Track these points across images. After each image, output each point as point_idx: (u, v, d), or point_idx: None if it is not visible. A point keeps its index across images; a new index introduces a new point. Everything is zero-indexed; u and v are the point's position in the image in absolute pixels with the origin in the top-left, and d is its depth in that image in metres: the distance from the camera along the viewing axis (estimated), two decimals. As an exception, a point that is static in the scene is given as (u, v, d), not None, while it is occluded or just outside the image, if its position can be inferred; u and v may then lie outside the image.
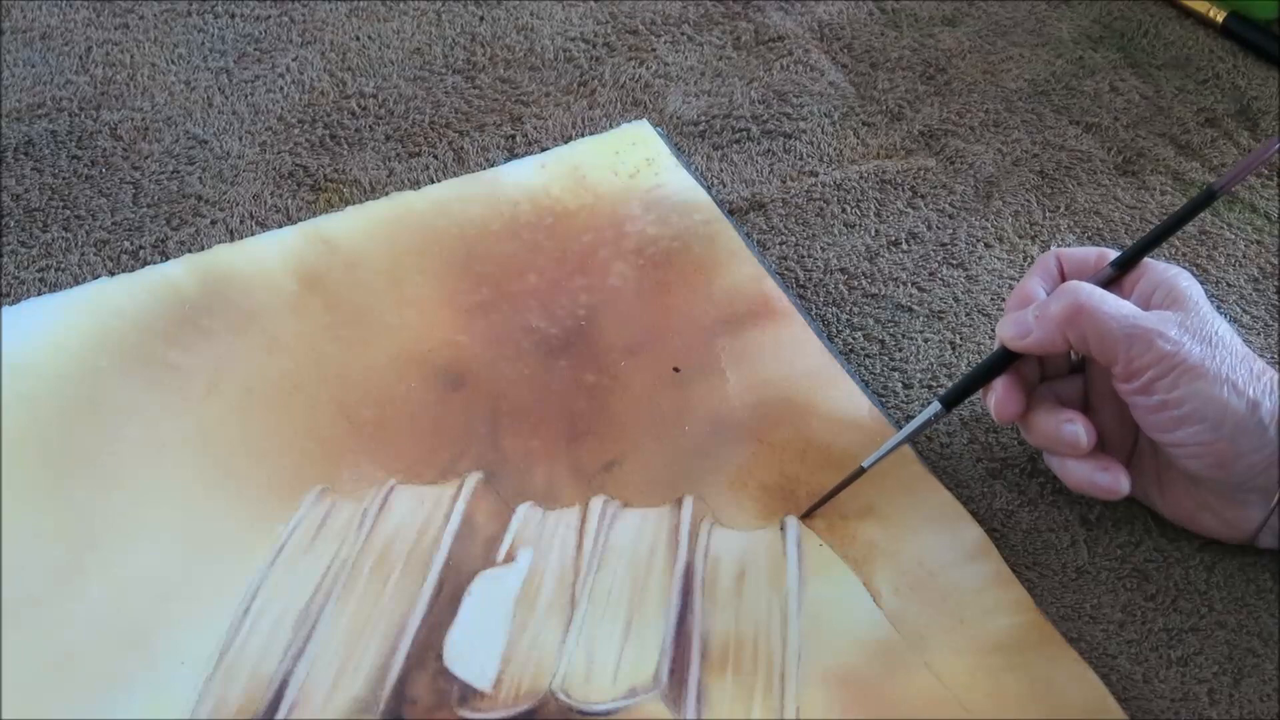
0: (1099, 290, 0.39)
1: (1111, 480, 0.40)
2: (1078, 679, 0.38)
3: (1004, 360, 0.41)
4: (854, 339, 0.49)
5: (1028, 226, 0.54)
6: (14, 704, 0.37)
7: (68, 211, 0.53)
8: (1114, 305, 0.39)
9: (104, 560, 0.41)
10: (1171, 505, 0.42)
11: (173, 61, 0.61)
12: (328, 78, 0.60)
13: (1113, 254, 0.42)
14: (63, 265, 0.51)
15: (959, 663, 0.38)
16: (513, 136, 0.57)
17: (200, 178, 0.55)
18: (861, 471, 0.42)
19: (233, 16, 0.63)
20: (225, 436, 0.44)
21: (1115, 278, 0.41)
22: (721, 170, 0.56)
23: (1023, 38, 0.64)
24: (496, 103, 0.59)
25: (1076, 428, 0.40)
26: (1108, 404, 0.42)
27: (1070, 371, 0.43)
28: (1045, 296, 0.41)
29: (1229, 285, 0.51)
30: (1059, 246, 0.52)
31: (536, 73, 0.61)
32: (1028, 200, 0.55)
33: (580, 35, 0.63)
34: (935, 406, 0.42)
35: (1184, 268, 0.41)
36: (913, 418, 0.46)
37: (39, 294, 0.49)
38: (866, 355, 0.48)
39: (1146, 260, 0.41)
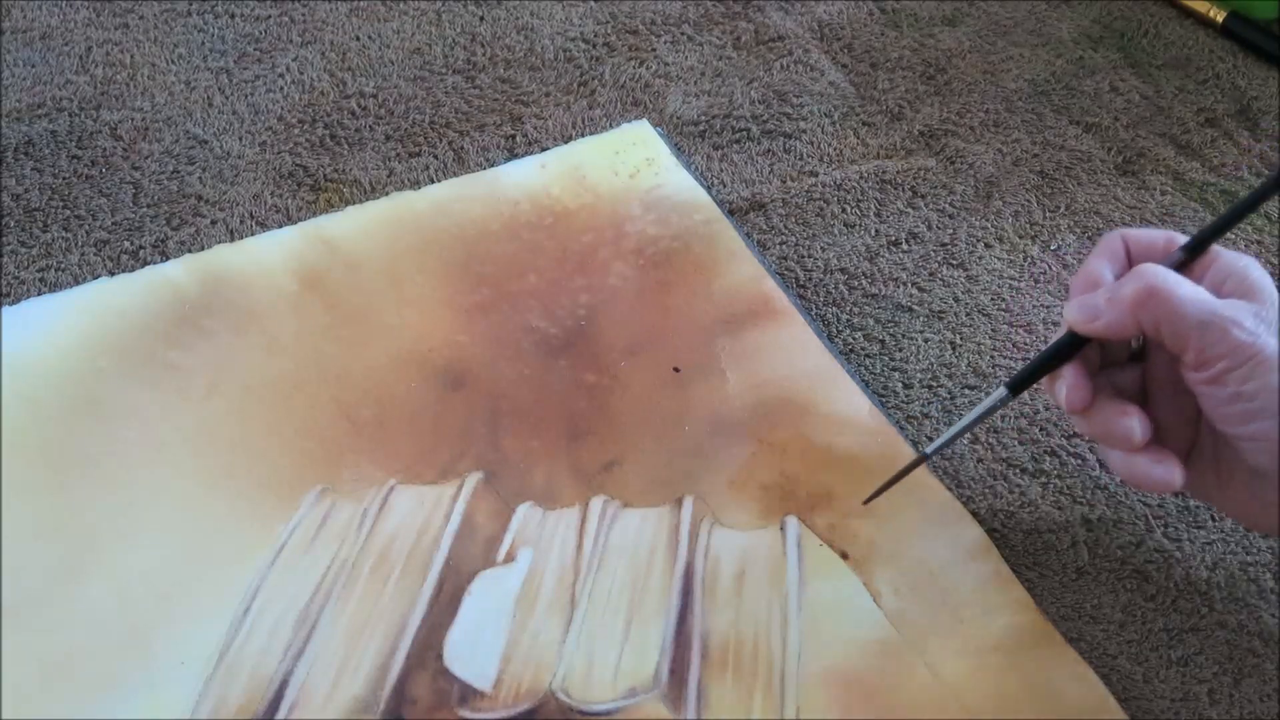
0: (1174, 274, 0.38)
1: (1165, 473, 0.38)
2: (1078, 679, 0.38)
3: (1072, 346, 0.40)
4: (854, 339, 0.49)
5: (1028, 226, 0.54)
6: (14, 704, 0.37)
7: (68, 211, 0.53)
8: (1189, 290, 0.37)
9: (104, 560, 0.41)
10: (1232, 502, 0.40)
11: (173, 61, 0.61)
12: (328, 78, 0.60)
13: (1181, 238, 0.40)
14: (63, 265, 0.51)
15: (959, 663, 0.38)
16: (513, 136, 0.57)
17: (200, 178, 0.55)
18: (925, 457, 0.41)
19: (233, 16, 0.63)
20: (225, 436, 0.44)
21: (1185, 262, 0.40)
22: (721, 170, 0.56)
23: (1023, 38, 0.64)
24: (496, 103, 0.59)
25: (1132, 421, 0.38)
26: (1168, 396, 0.40)
27: (1129, 360, 0.42)
28: (1112, 279, 0.40)
29: (1229, 285, 0.51)
30: (1062, 243, 0.52)
31: (536, 73, 0.61)
32: (1028, 200, 0.55)
33: (580, 35, 0.63)
34: (1001, 391, 0.40)
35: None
36: (914, 418, 0.46)
37: (39, 294, 0.49)
38: (866, 355, 0.48)
39: (1217, 248, 0.40)
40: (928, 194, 0.55)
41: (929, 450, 0.41)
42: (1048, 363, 0.40)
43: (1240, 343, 0.36)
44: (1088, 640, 0.40)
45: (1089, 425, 0.40)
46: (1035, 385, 0.41)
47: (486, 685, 0.38)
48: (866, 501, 0.42)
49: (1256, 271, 0.39)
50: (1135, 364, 0.42)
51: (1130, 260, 0.41)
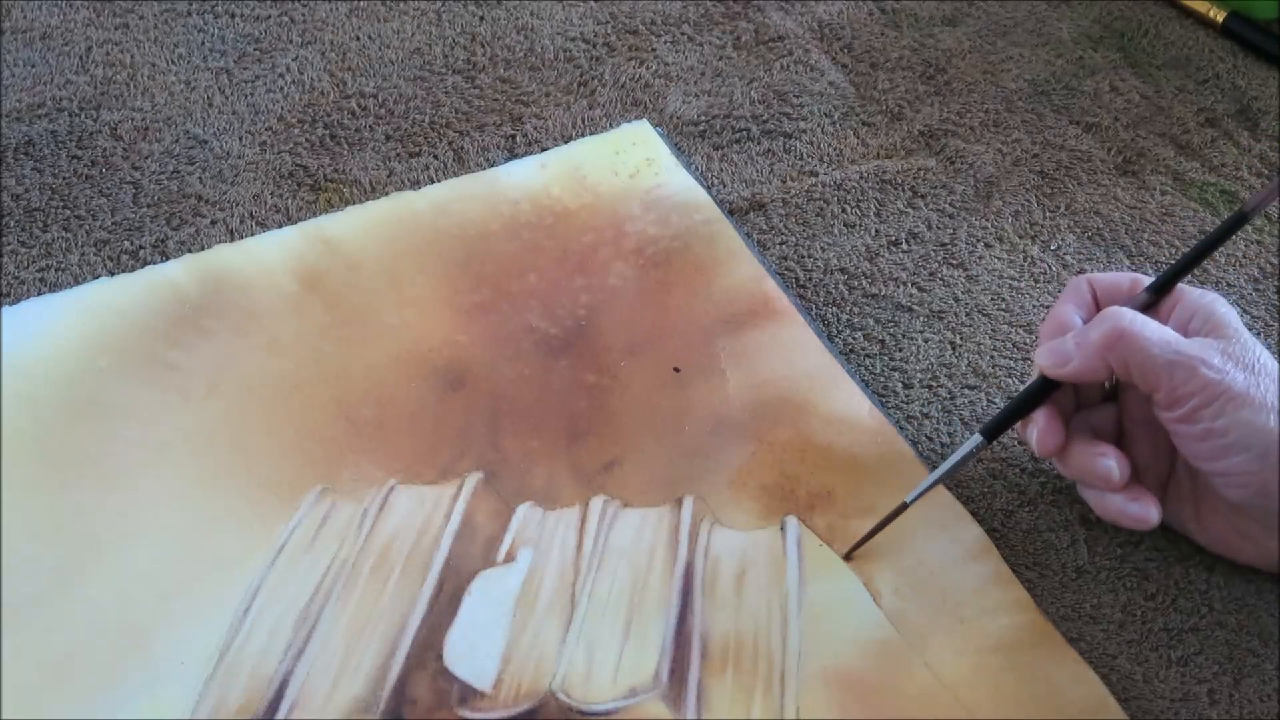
0: (1140, 316, 0.39)
1: (1142, 510, 0.39)
2: (1078, 679, 0.38)
3: (1043, 390, 0.40)
4: (854, 339, 0.49)
5: (1028, 226, 0.54)
6: (14, 704, 0.37)
7: (68, 211, 0.53)
8: (1156, 332, 0.38)
9: (104, 560, 0.41)
10: (1210, 534, 0.41)
11: (173, 61, 0.61)
12: (328, 78, 0.60)
13: (1145, 279, 0.41)
14: (63, 265, 0.51)
15: (959, 663, 0.38)
16: (513, 136, 0.57)
17: (200, 178, 0.55)
18: (905, 507, 0.41)
19: (233, 16, 0.63)
20: (225, 436, 0.44)
21: (1151, 303, 0.40)
22: (721, 170, 0.56)
23: (1023, 38, 0.64)
24: (496, 103, 0.59)
25: (1111, 462, 0.39)
26: (1142, 432, 0.41)
27: (1103, 399, 0.43)
28: (1080, 323, 0.41)
29: (1229, 285, 0.51)
30: (1062, 243, 0.52)
31: (536, 73, 0.61)
32: (1028, 200, 0.55)
33: (580, 35, 0.63)
34: (976, 439, 0.41)
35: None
36: (914, 418, 0.46)
37: (39, 294, 0.49)
38: (866, 355, 0.48)
39: (1181, 286, 0.41)
40: (928, 194, 0.55)
41: (909, 498, 0.41)
42: (1021, 407, 0.41)
43: (1209, 380, 0.37)
44: (1088, 640, 0.40)
45: (1066, 467, 0.41)
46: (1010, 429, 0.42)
47: (486, 685, 0.38)
48: (849, 554, 0.41)
49: (1222, 307, 0.40)
50: (1110, 403, 0.42)
51: (1097, 303, 0.42)
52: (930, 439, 0.45)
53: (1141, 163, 0.57)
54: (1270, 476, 0.37)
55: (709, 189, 0.54)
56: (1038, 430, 0.40)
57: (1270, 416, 0.37)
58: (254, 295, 0.49)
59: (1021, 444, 0.45)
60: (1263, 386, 0.37)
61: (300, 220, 0.52)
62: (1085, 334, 0.39)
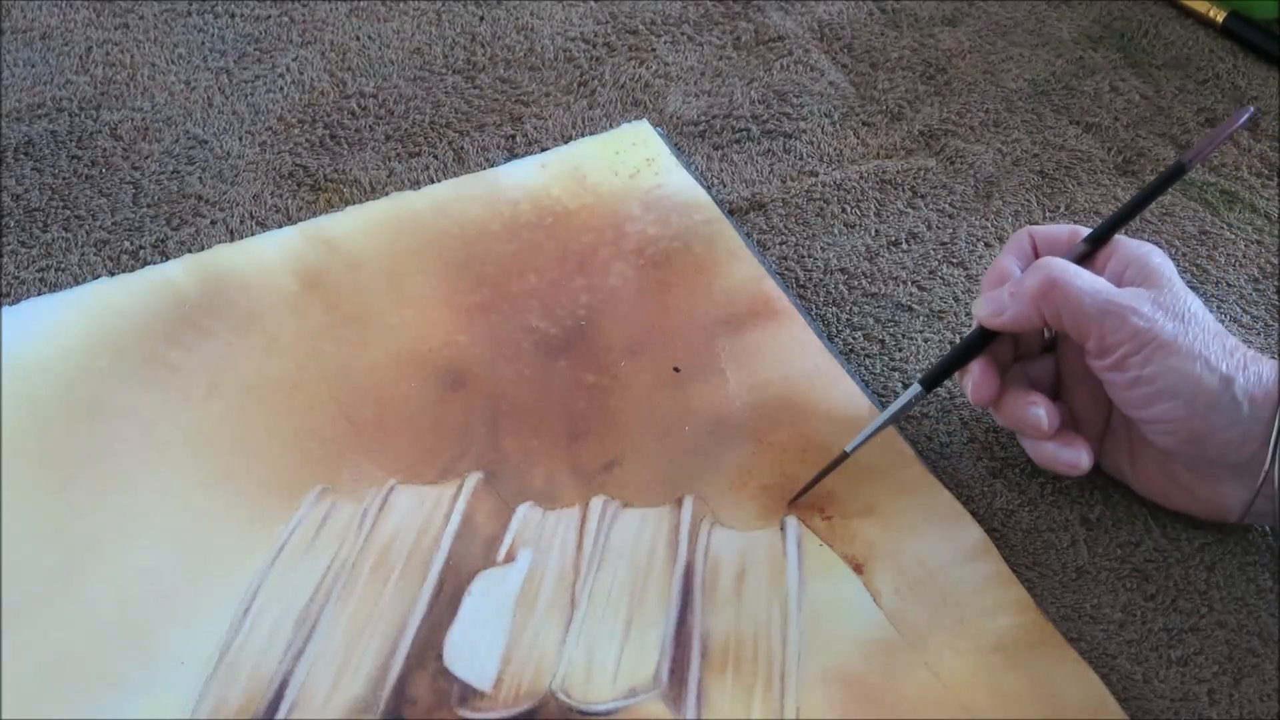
0: (1072, 266, 0.40)
1: (1073, 455, 0.41)
2: (1078, 679, 0.38)
3: (981, 340, 0.42)
4: (854, 339, 0.49)
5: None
6: (14, 704, 0.37)
7: (68, 211, 0.53)
8: (1087, 281, 0.39)
9: (104, 560, 0.41)
10: (1143, 481, 0.42)
11: (173, 61, 0.61)
12: (328, 78, 0.60)
13: (1085, 231, 0.42)
14: (63, 265, 0.51)
15: (959, 663, 0.38)
16: (513, 136, 0.57)
17: (200, 178, 0.55)
18: (845, 456, 0.42)
19: (233, 16, 0.63)
20: (225, 436, 0.44)
21: (1088, 254, 0.41)
22: (721, 170, 0.56)
23: (1023, 38, 0.64)
24: (496, 103, 0.59)
25: (1040, 410, 0.40)
26: (1079, 383, 0.42)
27: (1042, 351, 0.44)
28: (1019, 274, 0.41)
29: (1229, 285, 0.51)
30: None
31: (536, 73, 0.61)
32: (1028, 200, 0.55)
33: (580, 35, 0.63)
34: (915, 388, 0.42)
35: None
36: (913, 418, 0.46)
37: (39, 294, 0.49)
38: (866, 355, 0.48)
39: (1119, 238, 0.42)
40: (928, 194, 0.55)
41: (849, 447, 0.42)
42: (959, 358, 0.42)
43: (1138, 329, 0.38)
44: (1088, 640, 0.40)
45: (1001, 416, 0.42)
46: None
47: (486, 685, 0.38)
48: (792, 501, 0.42)
49: (1157, 258, 0.40)
50: (1048, 355, 0.43)
51: (1037, 255, 0.42)
52: (930, 439, 0.45)
53: (1141, 163, 0.57)
54: (1198, 424, 0.38)
55: (709, 189, 0.54)
56: (973, 380, 0.41)
57: (1198, 364, 0.37)
58: (254, 295, 0.49)
59: (1020, 445, 0.45)
60: (1191, 334, 0.38)
61: (300, 220, 0.52)
62: (1019, 284, 0.40)
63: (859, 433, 0.42)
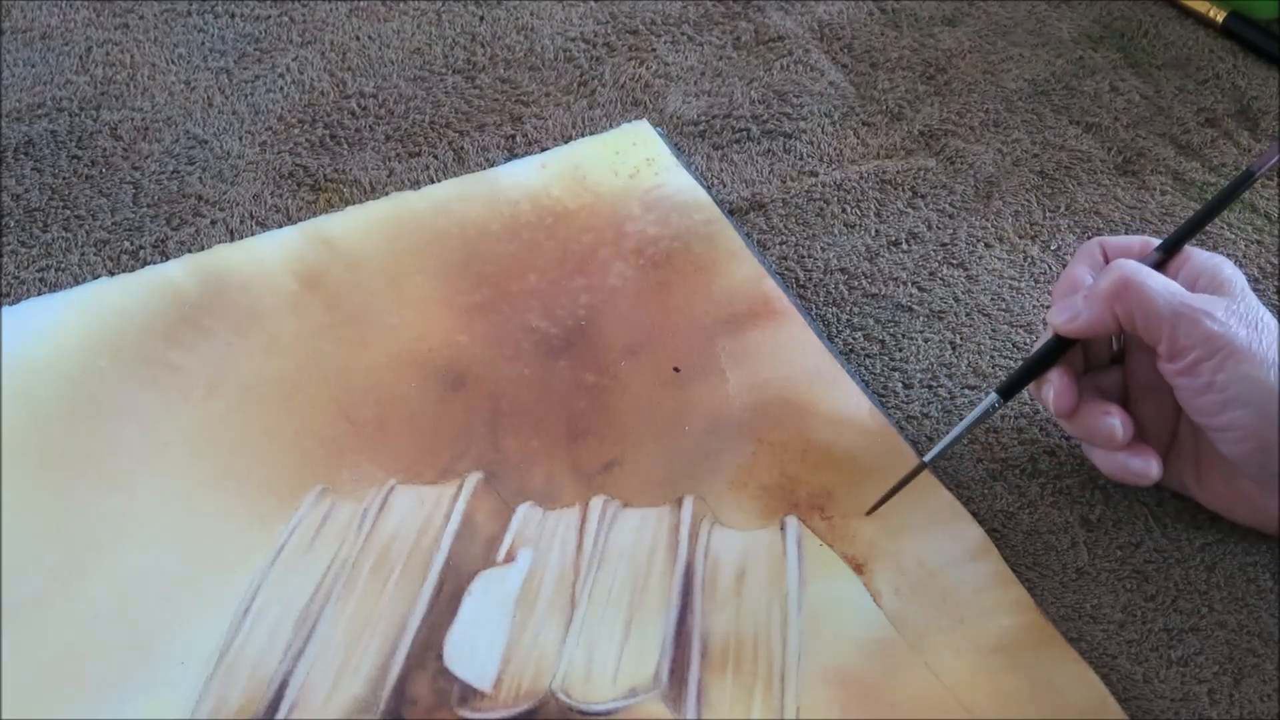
0: (1146, 268, 0.39)
1: (1143, 465, 0.40)
2: (1078, 679, 0.38)
3: (1057, 349, 0.41)
4: (854, 339, 0.49)
5: (1028, 226, 0.54)
6: (14, 704, 0.37)
7: (68, 211, 0.53)
8: (1161, 283, 0.39)
9: (104, 560, 0.41)
10: (1209, 494, 0.42)
11: (173, 61, 0.61)
12: (328, 78, 0.60)
13: (1156, 241, 0.42)
14: (63, 265, 0.51)
15: (959, 663, 0.38)
16: (513, 136, 0.57)
17: (200, 178, 0.55)
18: (923, 466, 0.42)
19: (233, 16, 0.63)
20: (225, 436, 0.44)
21: (1161, 261, 0.41)
22: (721, 170, 0.56)
23: (1023, 38, 0.64)
24: (496, 103, 0.59)
25: (1115, 421, 0.40)
26: (1147, 394, 0.42)
27: (1110, 363, 0.44)
28: (1091, 282, 0.41)
29: (1229, 285, 0.51)
30: (1062, 243, 0.52)
31: (536, 73, 0.61)
32: (1028, 200, 0.55)
33: (580, 35, 0.63)
34: (993, 397, 0.42)
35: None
36: (914, 418, 0.46)
37: (39, 294, 0.49)
38: (866, 355, 0.48)
39: (1189, 248, 0.41)
40: (928, 194, 0.55)
41: (927, 458, 0.42)
42: (1035, 367, 0.42)
43: (1212, 333, 0.38)
44: (1088, 640, 0.40)
45: (1075, 426, 0.42)
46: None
47: (486, 685, 0.38)
48: (870, 511, 0.42)
49: (1229, 269, 0.40)
50: (1116, 366, 0.43)
51: (1108, 263, 0.42)
52: (930, 439, 0.45)
53: (1141, 163, 0.57)
54: (1268, 433, 0.37)
55: (709, 189, 0.54)
56: (1054, 390, 0.41)
57: (1270, 373, 0.37)
58: (254, 295, 0.49)
59: (1020, 444, 0.45)
60: (1264, 344, 0.38)
61: (300, 220, 0.52)
62: (1093, 286, 0.40)
63: (860, 434, 0.42)
